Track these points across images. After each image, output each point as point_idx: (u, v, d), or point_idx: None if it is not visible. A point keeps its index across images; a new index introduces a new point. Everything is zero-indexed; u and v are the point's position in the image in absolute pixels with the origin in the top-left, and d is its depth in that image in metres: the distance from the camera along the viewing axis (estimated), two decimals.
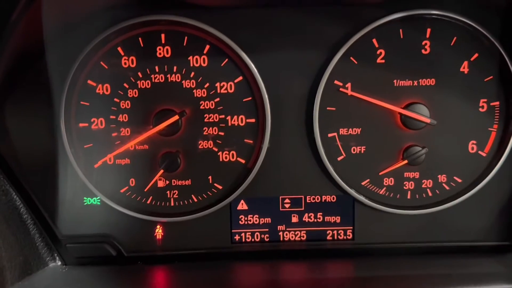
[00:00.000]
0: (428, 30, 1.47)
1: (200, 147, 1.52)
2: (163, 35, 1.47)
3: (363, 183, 1.54)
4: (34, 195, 1.49)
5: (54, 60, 1.46)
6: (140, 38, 1.47)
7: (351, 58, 1.48)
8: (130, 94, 1.49)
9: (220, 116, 1.50)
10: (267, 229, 1.57)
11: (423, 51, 1.48)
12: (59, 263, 1.54)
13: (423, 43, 1.47)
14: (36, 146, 1.50)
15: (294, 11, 1.46)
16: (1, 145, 1.46)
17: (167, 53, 1.48)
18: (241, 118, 1.51)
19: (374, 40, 1.47)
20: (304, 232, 1.57)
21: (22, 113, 1.48)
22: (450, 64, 1.48)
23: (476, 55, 1.47)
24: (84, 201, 1.53)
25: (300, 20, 1.47)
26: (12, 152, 1.48)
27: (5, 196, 1.44)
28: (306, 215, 1.56)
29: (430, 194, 1.55)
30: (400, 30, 1.47)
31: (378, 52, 1.48)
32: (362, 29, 1.45)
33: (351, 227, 1.56)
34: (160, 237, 1.56)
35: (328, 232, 1.57)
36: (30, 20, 1.32)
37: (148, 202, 1.54)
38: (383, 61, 1.48)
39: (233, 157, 1.53)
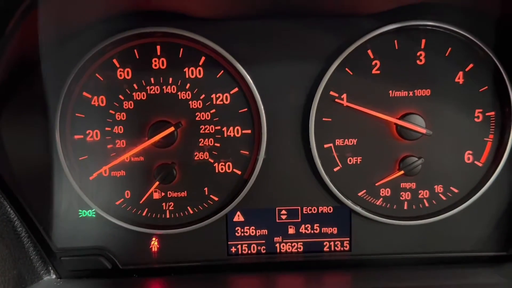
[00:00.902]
0: (423, 41, 1.47)
1: (196, 158, 1.51)
2: (158, 47, 1.47)
3: (359, 194, 1.54)
4: (29, 208, 1.48)
5: (49, 72, 1.46)
6: (135, 50, 1.47)
7: (347, 69, 1.48)
8: (126, 106, 1.49)
9: (216, 127, 1.50)
10: (264, 241, 1.56)
11: (418, 61, 1.48)
12: (54, 276, 1.53)
13: (418, 53, 1.48)
14: (31, 158, 1.49)
15: (289, 23, 1.47)
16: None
17: (163, 64, 1.48)
18: (237, 129, 1.50)
19: (369, 51, 1.48)
20: (301, 243, 1.56)
21: (17, 125, 1.47)
22: (445, 74, 1.49)
23: (471, 65, 1.48)
24: (79, 213, 1.52)
25: (295, 32, 1.47)
26: (6, 164, 1.47)
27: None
28: (302, 226, 1.55)
29: (427, 204, 1.54)
30: (395, 41, 1.48)
31: (373, 63, 1.48)
32: (357, 40, 1.46)
33: (348, 238, 1.55)
34: (156, 249, 1.54)
35: (325, 243, 1.56)
36: (26, 31, 1.32)
37: (144, 214, 1.53)
38: (378, 71, 1.49)
39: (229, 169, 1.52)
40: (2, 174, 1.47)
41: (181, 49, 1.47)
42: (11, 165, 1.47)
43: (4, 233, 1.40)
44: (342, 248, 1.55)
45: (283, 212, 1.55)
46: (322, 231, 1.55)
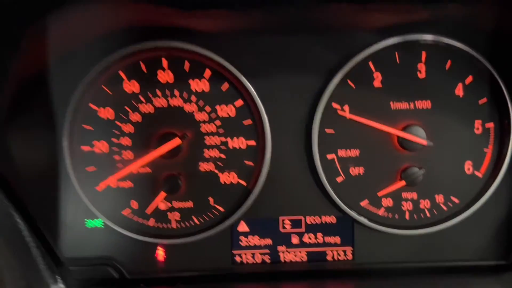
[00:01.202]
0: (423, 53, 1.51)
1: (201, 169, 1.54)
2: (164, 60, 1.50)
3: (362, 204, 1.56)
4: (37, 218, 1.50)
5: (56, 84, 1.49)
6: (141, 63, 1.50)
7: (349, 81, 1.51)
8: (132, 118, 1.52)
9: (221, 139, 1.53)
10: (268, 250, 1.59)
11: (418, 74, 1.52)
12: (61, 286, 1.54)
13: (419, 66, 1.51)
14: (39, 168, 1.51)
15: (292, 37, 1.50)
16: (4, 168, 1.47)
17: (168, 77, 1.51)
18: (242, 141, 1.53)
19: (371, 64, 1.51)
20: (305, 253, 1.58)
21: (25, 136, 1.50)
22: (445, 87, 1.52)
23: (470, 78, 1.51)
24: (87, 223, 1.54)
25: (298, 45, 1.50)
26: (15, 175, 1.49)
27: (8, 220, 1.44)
28: (306, 236, 1.58)
29: (428, 214, 1.57)
30: (396, 54, 1.51)
31: (375, 75, 1.52)
32: (358, 53, 1.49)
33: (351, 248, 1.58)
34: (162, 259, 1.57)
35: (328, 252, 1.58)
36: (34, 47, 1.35)
37: (150, 224, 1.56)
38: (380, 84, 1.52)
39: (233, 179, 1.55)
40: (11, 185, 1.49)
41: (186, 62, 1.50)
42: (20, 176, 1.49)
43: (13, 243, 1.42)
44: (345, 258, 1.58)
45: (287, 222, 1.57)
46: (326, 241, 1.58)
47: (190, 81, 1.51)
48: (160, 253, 1.56)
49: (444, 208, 1.56)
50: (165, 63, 1.51)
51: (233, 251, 1.58)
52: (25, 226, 1.48)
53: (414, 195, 1.56)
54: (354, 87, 1.52)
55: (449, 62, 1.51)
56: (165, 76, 1.51)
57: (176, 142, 1.49)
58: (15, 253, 1.41)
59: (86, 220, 1.54)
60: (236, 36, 1.49)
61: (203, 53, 1.48)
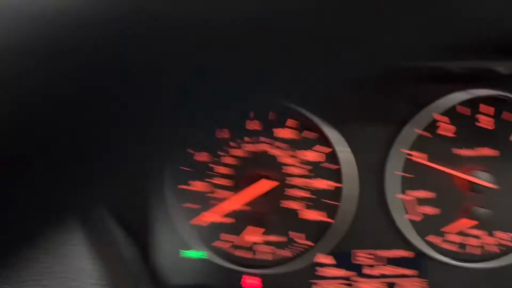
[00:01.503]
0: (482, 105, 1.68)
1: (286, 206, 1.73)
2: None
3: (431, 239, 1.73)
4: (147, 250, 1.71)
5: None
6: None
7: (418, 130, 1.69)
8: (225, 161, 1.73)
9: (305, 181, 1.72)
10: (345, 281, 1.75)
11: (481, 122, 1.69)
12: None
13: (480, 117, 1.69)
14: (143, 206, 1.72)
15: (369, 90, 1.69)
16: (123, 209, 1.68)
17: (255, 124, 1.72)
18: (323, 182, 1.73)
19: (437, 115, 1.69)
20: (379, 284, 1.75)
21: (130, 181, 1.71)
22: (504, 134, 1.69)
23: None
24: (185, 253, 1.74)
25: (374, 97, 1.70)
26: (127, 212, 1.70)
27: (128, 252, 1.66)
28: (380, 268, 1.74)
29: (495, 249, 1.72)
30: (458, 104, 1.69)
31: (442, 125, 1.69)
32: (426, 106, 1.68)
33: (424, 280, 1.73)
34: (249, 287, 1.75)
35: (401, 284, 1.74)
36: None
37: (242, 255, 1.75)
38: (447, 132, 1.70)
39: (314, 216, 1.74)
40: (125, 221, 1.70)
41: (273, 111, 1.71)
42: (131, 214, 1.71)
43: (129, 274, 1.62)
44: None
45: (362, 255, 1.74)
46: (398, 273, 1.74)
47: (277, 128, 1.72)
48: (253, 282, 1.75)
49: (510, 243, 1.72)
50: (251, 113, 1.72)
51: (313, 282, 1.75)
52: (138, 258, 1.69)
53: (480, 232, 1.71)
54: (424, 135, 1.70)
55: (504, 111, 1.68)
56: (252, 124, 1.73)
57: (271, 184, 1.70)
58: (130, 283, 1.61)
59: (185, 251, 1.75)
60: (318, 102, 1.69)
61: (289, 106, 1.69)
